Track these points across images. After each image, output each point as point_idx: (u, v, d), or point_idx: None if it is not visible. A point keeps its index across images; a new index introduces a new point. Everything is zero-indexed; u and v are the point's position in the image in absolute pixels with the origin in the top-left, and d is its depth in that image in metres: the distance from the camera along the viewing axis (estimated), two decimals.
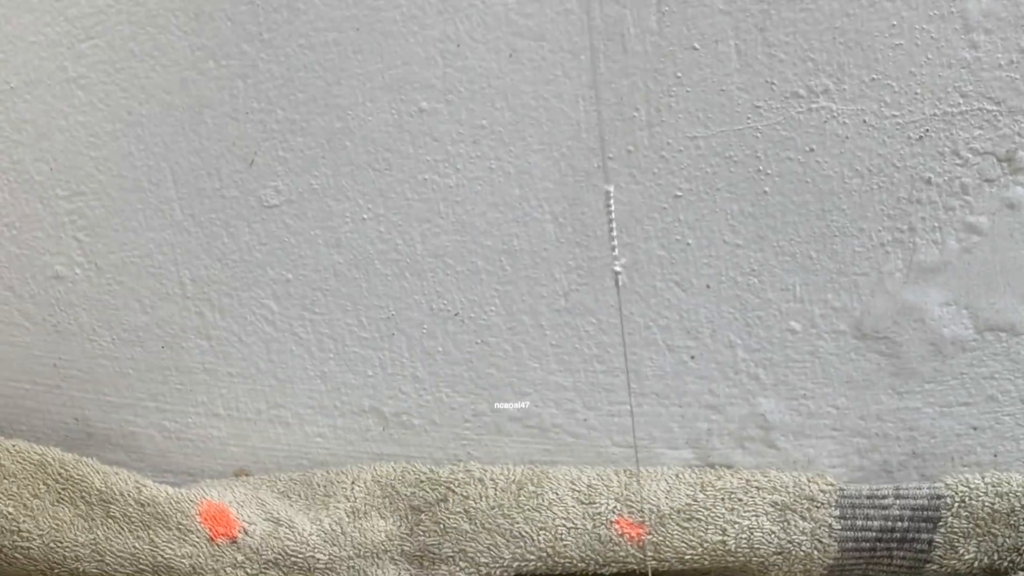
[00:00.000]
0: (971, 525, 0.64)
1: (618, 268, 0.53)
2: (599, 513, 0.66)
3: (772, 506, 0.65)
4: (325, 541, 0.67)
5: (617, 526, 0.66)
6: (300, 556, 0.67)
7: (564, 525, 0.66)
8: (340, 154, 0.65)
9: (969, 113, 0.59)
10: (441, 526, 0.67)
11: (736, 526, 0.65)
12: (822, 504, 0.65)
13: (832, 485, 0.65)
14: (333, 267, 0.68)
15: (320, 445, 0.73)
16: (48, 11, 0.64)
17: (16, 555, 0.66)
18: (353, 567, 0.68)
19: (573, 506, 0.66)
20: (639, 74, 0.61)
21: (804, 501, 0.65)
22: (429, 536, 0.67)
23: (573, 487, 0.67)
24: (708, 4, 0.59)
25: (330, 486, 0.69)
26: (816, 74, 0.60)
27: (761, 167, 0.62)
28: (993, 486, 0.64)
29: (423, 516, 0.68)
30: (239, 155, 0.66)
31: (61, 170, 0.68)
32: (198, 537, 0.66)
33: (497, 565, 0.67)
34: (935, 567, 0.66)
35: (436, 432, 0.71)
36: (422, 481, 0.68)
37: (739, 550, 0.66)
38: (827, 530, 0.65)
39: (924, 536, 0.65)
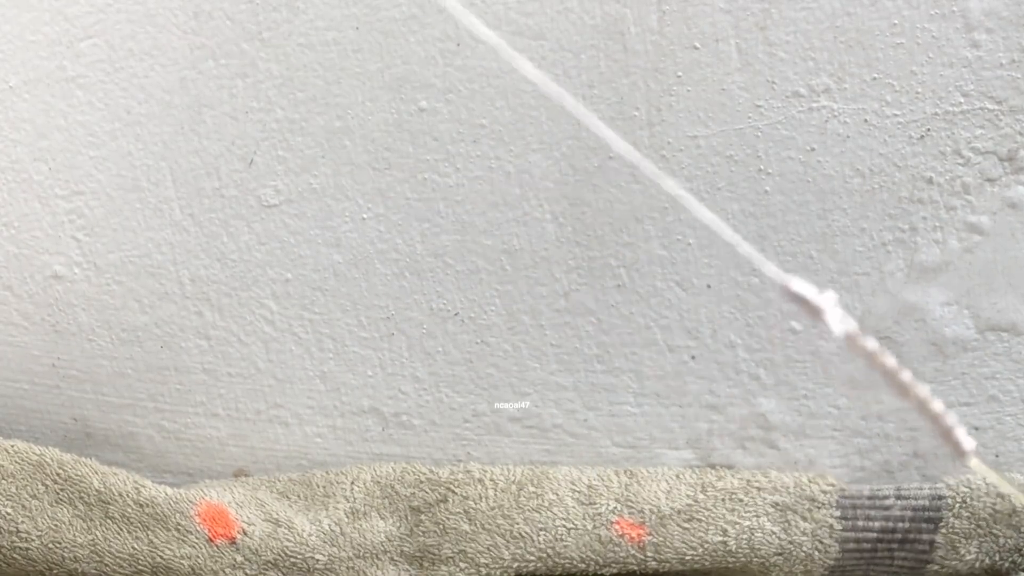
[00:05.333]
0: (972, 526, 0.64)
1: None
2: (599, 514, 0.66)
3: (773, 507, 0.65)
4: (324, 542, 0.67)
5: (617, 527, 0.66)
6: (299, 557, 0.67)
7: (564, 526, 0.66)
8: (340, 153, 0.65)
9: (970, 112, 0.59)
10: (441, 527, 0.67)
11: (737, 527, 0.65)
12: (823, 505, 0.65)
13: (833, 486, 0.65)
14: (333, 267, 0.68)
15: (319, 445, 0.73)
16: (47, 10, 0.64)
17: (15, 555, 0.66)
18: (352, 568, 0.68)
19: (573, 507, 0.66)
20: (639, 73, 0.61)
21: (805, 502, 0.65)
22: (429, 537, 0.67)
23: (573, 488, 0.67)
24: (709, 3, 0.59)
25: (329, 487, 0.69)
26: (817, 73, 0.60)
27: (762, 166, 0.62)
28: (994, 487, 0.64)
29: (423, 517, 0.67)
30: (238, 154, 0.66)
31: (60, 169, 0.68)
32: (197, 538, 0.66)
33: (497, 566, 0.67)
34: (936, 568, 0.65)
35: (436, 432, 0.71)
36: (422, 482, 0.68)
37: (740, 551, 0.66)
38: (828, 531, 0.65)
39: (925, 537, 0.65)
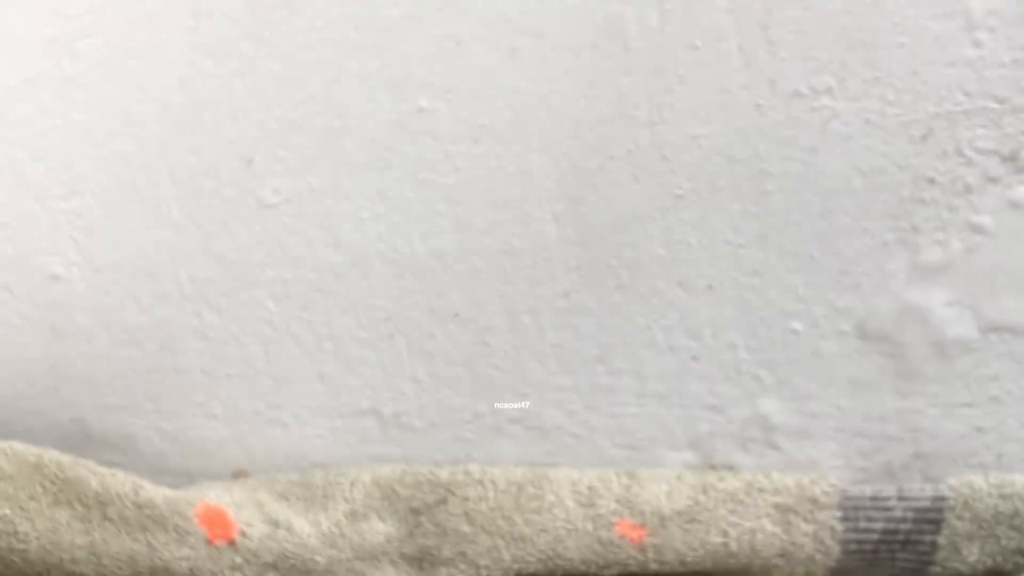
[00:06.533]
0: (974, 527, 0.64)
1: None
2: (600, 515, 0.66)
3: (774, 508, 0.65)
4: (324, 543, 0.67)
5: (618, 528, 0.66)
6: (299, 558, 0.67)
7: (564, 527, 0.66)
8: (339, 153, 0.65)
9: (973, 112, 0.59)
10: (441, 528, 0.67)
11: (738, 528, 0.65)
12: (824, 506, 0.65)
13: (834, 487, 0.65)
14: (332, 267, 0.68)
15: (319, 446, 0.73)
16: (44, 9, 0.64)
17: (13, 557, 0.66)
18: (352, 569, 0.68)
19: (573, 508, 0.66)
20: (640, 72, 0.61)
21: (806, 503, 0.65)
22: (428, 538, 0.67)
23: (574, 489, 0.67)
24: (710, 2, 0.59)
25: (329, 488, 0.69)
26: (819, 72, 0.60)
27: (763, 166, 0.62)
28: (997, 488, 0.64)
29: (422, 518, 0.67)
30: (237, 154, 0.66)
31: (57, 169, 0.68)
32: (196, 539, 0.66)
33: (497, 567, 0.67)
34: (938, 569, 0.65)
35: (436, 433, 0.71)
36: (421, 483, 0.68)
37: (741, 552, 0.66)
38: (829, 532, 0.65)
39: (927, 538, 0.65)
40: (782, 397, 0.67)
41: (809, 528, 0.65)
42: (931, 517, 0.64)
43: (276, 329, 0.70)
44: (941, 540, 0.65)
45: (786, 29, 0.59)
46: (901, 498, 0.65)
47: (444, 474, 0.68)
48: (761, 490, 0.66)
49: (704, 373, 0.67)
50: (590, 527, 0.66)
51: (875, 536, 0.65)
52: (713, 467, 0.69)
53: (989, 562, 0.65)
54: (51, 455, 0.67)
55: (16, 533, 0.65)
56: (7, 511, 0.65)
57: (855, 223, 0.62)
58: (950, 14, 0.57)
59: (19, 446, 0.68)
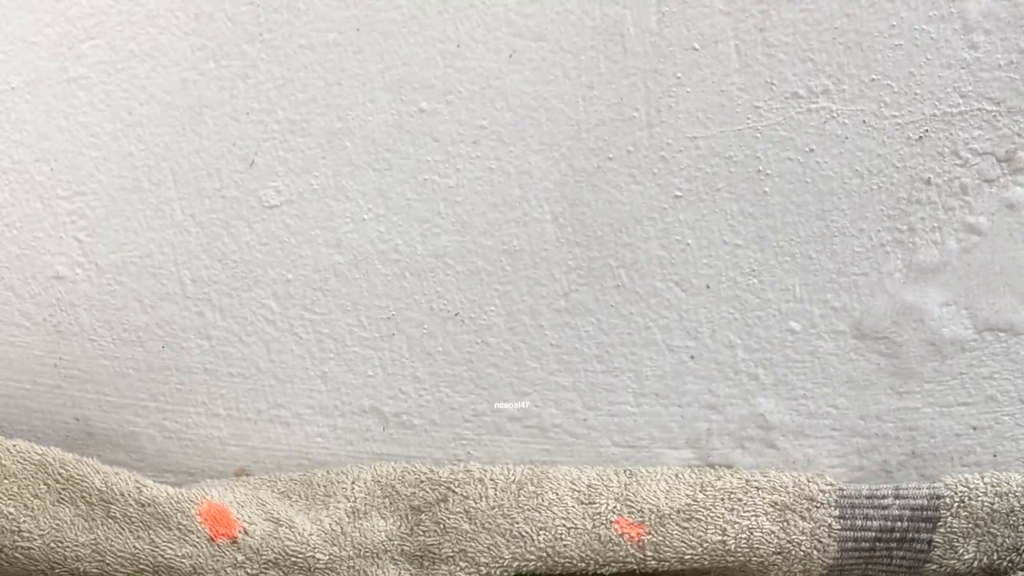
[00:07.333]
0: (970, 525, 0.64)
1: None
2: (599, 513, 0.66)
3: (772, 506, 0.66)
4: (325, 541, 0.67)
5: (617, 526, 0.66)
6: (300, 556, 0.67)
7: (564, 525, 0.66)
8: (340, 154, 0.65)
9: (968, 113, 0.59)
10: (441, 526, 0.67)
11: (736, 526, 0.65)
12: (822, 504, 0.65)
13: (832, 485, 0.65)
14: (333, 267, 0.68)
15: (320, 445, 0.73)
16: (49, 11, 0.64)
17: (17, 555, 0.66)
18: (353, 567, 0.68)
19: (573, 506, 0.66)
20: (639, 74, 0.61)
21: (804, 501, 0.65)
22: (429, 536, 0.67)
23: (573, 487, 0.67)
24: (708, 4, 0.59)
25: (330, 486, 0.69)
26: (816, 74, 0.60)
27: (761, 167, 0.62)
28: (992, 486, 0.64)
29: (423, 516, 0.68)
30: (239, 155, 0.66)
31: (62, 170, 0.68)
32: (198, 537, 0.66)
33: (497, 565, 0.67)
34: (934, 567, 0.66)
35: (436, 432, 0.71)
36: (422, 481, 0.68)
37: (739, 550, 0.66)
38: (827, 530, 0.65)
39: (923, 536, 0.65)
40: (779, 396, 0.67)
41: (806, 526, 0.65)
42: (927, 515, 0.64)
43: (278, 328, 0.70)
44: (937, 538, 0.65)
45: (784, 31, 0.59)
46: (898, 496, 0.65)
47: (444, 472, 0.68)
48: (759, 488, 0.66)
49: (702, 372, 0.68)
50: (589, 525, 0.66)
51: (872, 534, 0.65)
52: (711, 465, 0.69)
53: (985, 560, 0.65)
54: (55, 453, 0.67)
55: (20, 531, 0.65)
56: (11, 509, 0.65)
57: (852, 224, 0.63)
58: (946, 17, 0.58)
59: (23, 444, 0.68)
